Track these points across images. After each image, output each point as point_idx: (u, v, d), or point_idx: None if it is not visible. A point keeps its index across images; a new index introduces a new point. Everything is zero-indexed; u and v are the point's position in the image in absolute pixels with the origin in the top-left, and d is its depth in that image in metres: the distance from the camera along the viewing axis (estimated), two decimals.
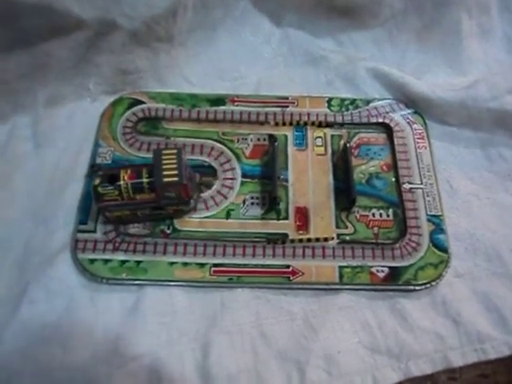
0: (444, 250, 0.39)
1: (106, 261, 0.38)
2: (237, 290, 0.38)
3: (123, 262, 0.38)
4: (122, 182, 0.36)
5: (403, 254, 0.39)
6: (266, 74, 0.48)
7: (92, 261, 0.38)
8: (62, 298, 0.37)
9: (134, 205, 0.38)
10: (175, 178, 0.36)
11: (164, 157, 0.37)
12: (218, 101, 0.46)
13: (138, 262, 0.38)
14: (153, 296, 0.38)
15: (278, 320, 0.37)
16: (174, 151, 0.37)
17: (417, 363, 0.36)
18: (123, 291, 0.38)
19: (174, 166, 0.36)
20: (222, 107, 0.45)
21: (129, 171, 0.37)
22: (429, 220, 0.41)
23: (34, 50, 0.39)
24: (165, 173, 0.36)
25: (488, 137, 0.45)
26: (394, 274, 0.38)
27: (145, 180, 0.37)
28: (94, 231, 0.39)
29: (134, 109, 0.45)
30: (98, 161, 0.42)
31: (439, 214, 0.41)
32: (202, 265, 0.38)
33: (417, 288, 0.38)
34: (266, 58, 0.49)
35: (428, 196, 0.42)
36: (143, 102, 0.45)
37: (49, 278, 0.38)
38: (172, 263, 0.38)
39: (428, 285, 0.38)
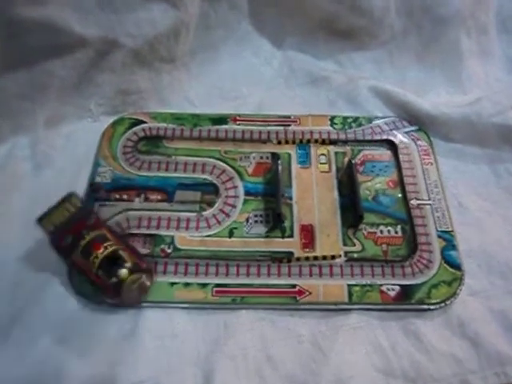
0: (457, 266, 0.38)
1: None
2: (241, 311, 0.36)
3: None
4: None
5: (414, 272, 0.37)
6: (268, 94, 0.48)
7: (89, 283, 0.36)
8: (58, 320, 0.35)
9: None
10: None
11: None
12: (220, 120, 0.45)
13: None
14: (152, 319, 0.36)
15: (284, 343, 0.35)
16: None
17: None
18: (121, 314, 0.36)
19: None
20: (224, 126, 0.45)
21: None
22: (439, 236, 0.39)
23: (35, 69, 0.39)
24: None
25: (495, 153, 0.44)
26: (406, 293, 0.36)
27: None
28: None
29: (135, 128, 0.45)
30: (98, 180, 0.42)
31: (450, 229, 0.40)
32: (203, 285, 0.37)
33: (431, 307, 0.36)
34: (267, 78, 0.49)
35: (437, 212, 0.40)
36: (144, 122, 0.45)
37: (45, 300, 0.36)
38: (173, 284, 0.37)
39: (442, 304, 0.36)
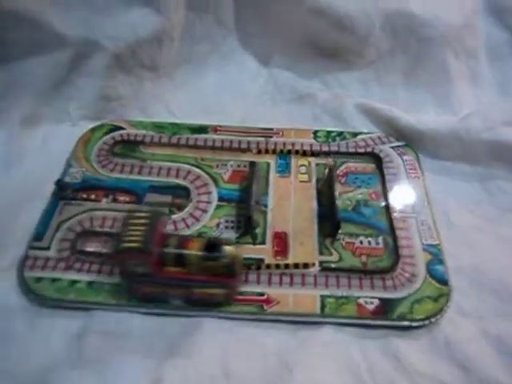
0: (444, 282, 0.34)
1: (55, 280, 0.34)
2: (201, 319, 0.33)
3: (73, 282, 0.34)
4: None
5: (396, 285, 0.34)
6: (252, 109, 0.47)
7: (38, 279, 0.34)
8: None
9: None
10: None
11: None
12: (200, 129, 0.44)
13: (91, 283, 0.34)
14: (101, 322, 0.32)
15: (247, 357, 0.31)
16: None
17: None
18: (68, 317, 0.33)
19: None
20: (204, 135, 0.44)
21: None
22: (425, 249, 0.36)
23: (11, 66, 0.39)
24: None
25: (485, 170, 0.42)
26: (386, 307, 0.33)
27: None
28: (48, 248, 0.35)
29: (113, 134, 0.44)
30: (67, 180, 0.40)
31: (436, 243, 0.36)
32: None
33: (413, 324, 0.32)
34: (252, 94, 0.48)
35: (422, 225, 0.37)
36: (123, 129, 0.44)
37: None
38: None
39: (427, 321, 0.32)
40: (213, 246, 0.31)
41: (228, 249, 0.31)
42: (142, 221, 0.32)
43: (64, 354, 0.31)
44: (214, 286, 0.32)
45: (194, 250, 0.31)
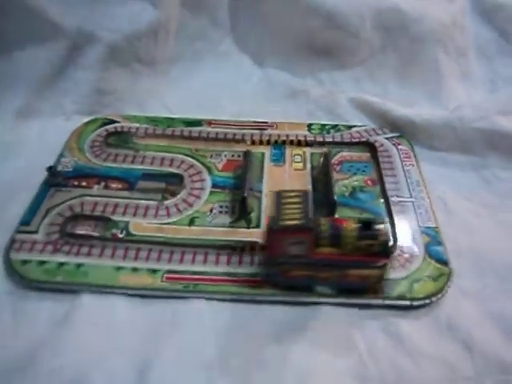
0: (443, 262, 0.33)
1: (42, 262, 0.32)
2: (192, 300, 0.31)
3: (61, 264, 0.32)
4: None
5: (394, 266, 0.33)
6: (246, 106, 0.47)
7: (25, 262, 0.32)
8: None
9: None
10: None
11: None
12: (195, 123, 0.44)
13: (79, 265, 0.32)
14: (89, 305, 0.31)
15: (240, 337, 0.30)
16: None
17: None
18: (56, 300, 0.31)
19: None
20: (198, 128, 0.44)
21: None
22: (423, 232, 0.35)
23: (8, 56, 0.39)
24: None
25: (480, 160, 0.42)
26: (386, 287, 0.31)
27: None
28: (36, 232, 0.34)
29: (107, 126, 0.44)
30: (59, 169, 0.39)
31: (434, 225, 0.36)
32: (153, 271, 0.32)
33: (414, 304, 0.31)
34: (246, 92, 0.49)
35: (420, 209, 0.37)
36: (117, 122, 0.44)
37: None
38: (119, 268, 0.32)
39: (427, 300, 0.31)
40: (367, 224, 0.29)
41: (382, 227, 0.29)
42: (295, 199, 0.31)
43: (50, 337, 0.29)
44: (369, 266, 0.30)
45: (350, 230, 0.29)
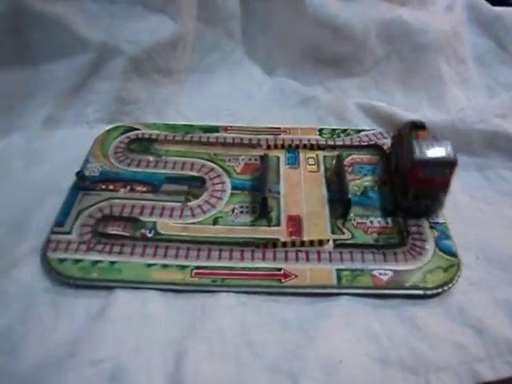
0: (453, 254, 0.35)
1: (77, 261, 0.34)
2: (221, 294, 0.33)
3: (96, 262, 0.35)
4: None
5: (407, 258, 0.35)
6: (259, 113, 0.50)
7: (61, 260, 0.34)
8: (19, 302, 0.33)
9: None
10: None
11: None
12: (212, 129, 0.47)
13: (113, 263, 0.35)
14: (124, 300, 0.33)
15: (267, 328, 0.32)
16: None
17: (439, 377, 0.29)
18: (91, 296, 0.33)
19: None
20: (215, 134, 0.46)
21: None
22: (432, 227, 0.38)
23: (37, 67, 0.42)
24: None
25: (483, 161, 0.44)
26: (400, 278, 0.34)
27: None
28: (70, 233, 0.36)
29: (128, 133, 0.46)
30: (86, 173, 0.41)
31: (442, 221, 0.38)
32: (183, 267, 0.34)
33: (427, 293, 0.33)
34: (259, 100, 0.51)
35: None
36: (138, 129, 0.47)
37: (9, 282, 0.34)
38: (150, 265, 0.35)
39: (440, 289, 0.33)
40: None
41: None
42: None
43: (88, 331, 0.31)
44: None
45: None
